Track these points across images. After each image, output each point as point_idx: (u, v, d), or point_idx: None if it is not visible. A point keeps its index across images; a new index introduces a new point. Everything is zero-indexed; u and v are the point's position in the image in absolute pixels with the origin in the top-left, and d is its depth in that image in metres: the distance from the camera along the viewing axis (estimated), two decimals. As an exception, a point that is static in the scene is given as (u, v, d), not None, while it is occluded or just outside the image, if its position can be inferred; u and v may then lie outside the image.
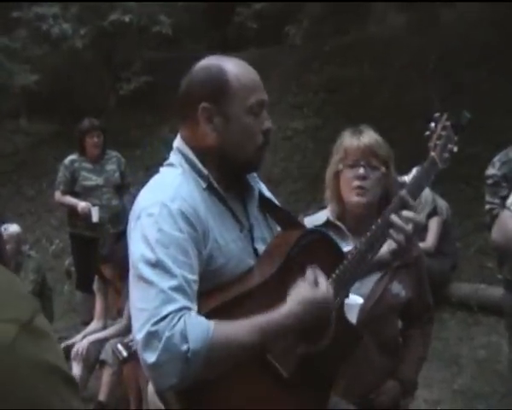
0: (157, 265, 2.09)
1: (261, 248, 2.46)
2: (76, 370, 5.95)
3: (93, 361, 5.99)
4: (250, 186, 2.52)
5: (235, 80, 2.32)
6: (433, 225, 7.34)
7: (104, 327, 6.27)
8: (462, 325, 7.21)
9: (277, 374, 2.28)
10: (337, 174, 3.21)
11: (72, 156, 7.51)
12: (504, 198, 4.98)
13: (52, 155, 12.14)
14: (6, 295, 1.15)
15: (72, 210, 7.53)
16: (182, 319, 2.02)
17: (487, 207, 5.09)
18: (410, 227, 2.68)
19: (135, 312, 2.10)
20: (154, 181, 2.38)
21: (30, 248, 8.33)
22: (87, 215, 7.24)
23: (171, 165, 2.42)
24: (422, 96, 10.19)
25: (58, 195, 7.57)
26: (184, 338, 1.99)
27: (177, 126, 2.49)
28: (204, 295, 2.18)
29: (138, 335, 2.03)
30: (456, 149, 2.85)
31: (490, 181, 5.09)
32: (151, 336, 2.00)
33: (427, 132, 2.83)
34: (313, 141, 10.76)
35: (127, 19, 11.87)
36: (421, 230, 2.63)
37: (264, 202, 2.59)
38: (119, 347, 5.59)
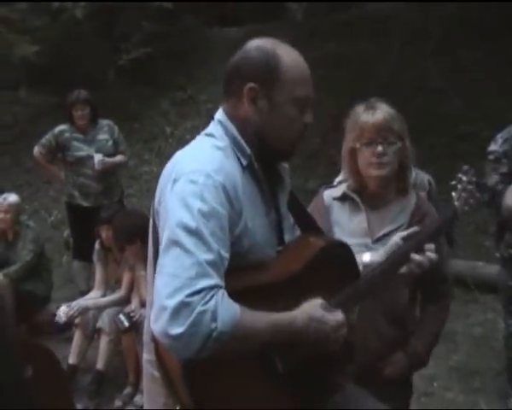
0: (196, 234, 2.07)
1: (288, 238, 2.49)
2: (79, 338, 6.01)
3: (91, 330, 6.02)
4: (281, 177, 2.53)
5: (287, 68, 2.32)
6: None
7: (103, 297, 6.29)
8: (459, 302, 7.22)
9: (274, 368, 2.29)
10: (353, 151, 3.25)
11: (63, 126, 7.53)
12: (504, 175, 5.02)
13: (51, 126, 12.10)
14: None
15: (59, 178, 7.85)
16: (214, 298, 2.01)
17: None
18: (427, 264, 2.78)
19: (164, 276, 2.07)
20: (194, 148, 2.36)
21: (28, 219, 8.33)
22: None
23: (211, 135, 2.39)
24: (422, 73, 10.20)
25: (37, 153, 7.62)
26: (214, 317, 1.99)
27: (221, 99, 2.47)
28: (227, 275, 2.16)
29: (168, 301, 2.00)
30: (475, 207, 2.98)
31: (491, 157, 5.12)
32: (183, 307, 1.98)
33: (454, 182, 2.95)
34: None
35: (128, -9, 11.82)
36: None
37: (292, 197, 2.60)
38: (121, 317, 5.63)
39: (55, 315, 6.05)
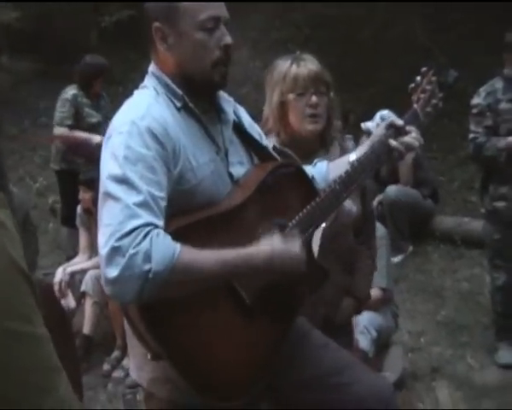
0: (123, 181, 2.11)
1: (238, 171, 2.46)
2: (66, 302, 5.97)
3: (78, 295, 6.00)
4: (223, 110, 2.51)
5: None
6: (403, 162, 7.34)
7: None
8: (446, 258, 7.28)
9: (240, 300, 2.29)
10: (284, 104, 3.21)
11: (73, 90, 7.16)
12: (488, 128, 5.03)
13: (34, 93, 12.02)
14: None
15: (73, 145, 7.18)
16: (148, 238, 2.02)
17: (471, 136, 5.14)
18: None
19: (101, 228, 2.10)
20: (128, 103, 2.37)
21: (13, 187, 8.27)
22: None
23: (144, 87, 2.43)
24: (407, 32, 10.15)
25: (64, 130, 7.12)
26: (148, 258, 1.99)
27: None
28: (173, 215, 2.19)
29: (103, 250, 2.04)
30: (441, 104, 2.83)
31: (474, 110, 5.13)
32: (115, 252, 2.00)
33: (412, 85, 2.82)
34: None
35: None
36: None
37: (242, 132, 2.58)
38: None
39: (41, 282, 6.00)
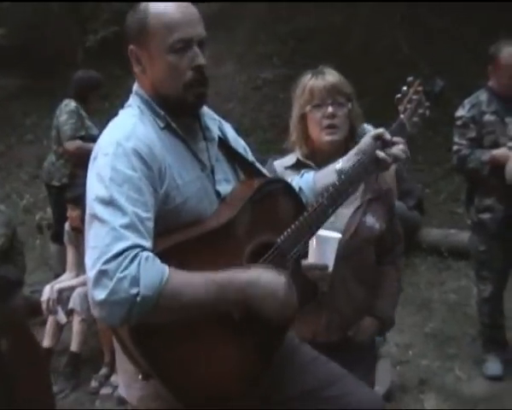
0: (110, 203, 2.10)
1: (225, 189, 2.46)
2: (53, 321, 5.96)
3: (66, 312, 5.98)
4: (208, 127, 2.51)
5: (155, 20, 2.33)
6: (387, 173, 7.35)
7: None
8: (433, 270, 7.30)
9: (229, 316, 2.28)
10: (304, 116, 3.25)
11: (73, 103, 7.08)
12: (472, 140, 5.06)
13: (21, 109, 12.01)
14: None
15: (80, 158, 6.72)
16: (135, 261, 2.02)
17: (455, 147, 5.16)
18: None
19: (88, 250, 2.10)
20: (113, 123, 2.37)
21: (0, 203, 8.25)
22: None
23: (129, 106, 2.44)
24: (392, 43, 10.19)
25: (78, 143, 6.93)
26: (136, 282, 1.99)
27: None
28: (160, 235, 2.19)
29: (90, 272, 2.03)
30: (427, 114, 2.83)
31: (459, 122, 5.16)
32: (102, 275, 2.00)
33: (398, 95, 2.82)
34: (283, 90, 10.64)
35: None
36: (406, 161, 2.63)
37: (227, 149, 2.59)
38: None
39: (28, 299, 6.00)
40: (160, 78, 2.35)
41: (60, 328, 6.04)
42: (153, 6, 2.37)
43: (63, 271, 6.70)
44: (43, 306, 5.92)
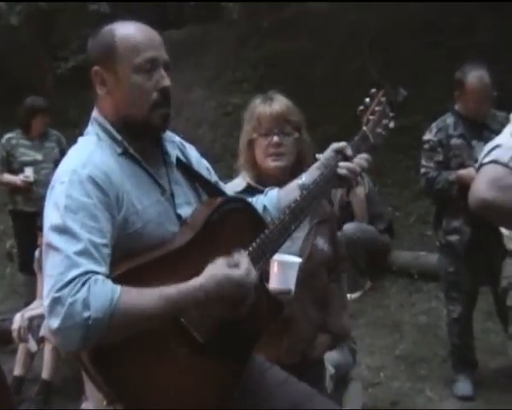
0: (64, 231, 2.12)
1: (186, 211, 2.46)
2: (24, 349, 5.92)
3: (37, 339, 5.94)
4: (167, 152, 2.52)
5: (121, 41, 2.35)
6: (356, 198, 7.43)
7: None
8: (404, 293, 7.33)
9: (193, 340, 2.28)
10: (251, 142, 3.30)
11: (10, 134, 7.47)
12: (439, 163, 5.14)
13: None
14: None
15: (12, 187, 7.48)
16: (86, 285, 2.02)
17: (423, 170, 5.25)
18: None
19: (45, 279, 2.11)
20: (71, 151, 2.38)
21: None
22: (28, 186, 7.21)
23: (87, 134, 2.44)
24: (361, 68, 10.28)
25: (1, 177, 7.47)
26: (86, 306, 1.99)
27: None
28: (119, 260, 2.19)
29: (45, 301, 2.05)
30: (392, 125, 2.86)
31: (426, 146, 5.24)
32: (55, 302, 2.02)
33: (361, 107, 2.83)
34: (253, 116, 10.78)
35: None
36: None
37: (189, 171, 2.60)
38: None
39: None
40: (126, 99, 2.35)
41: (31, 356, 6.01)
42: (119, 28, 2.39)
43: (33, 299, 6.66)
44: (14, 334, 5.89)
